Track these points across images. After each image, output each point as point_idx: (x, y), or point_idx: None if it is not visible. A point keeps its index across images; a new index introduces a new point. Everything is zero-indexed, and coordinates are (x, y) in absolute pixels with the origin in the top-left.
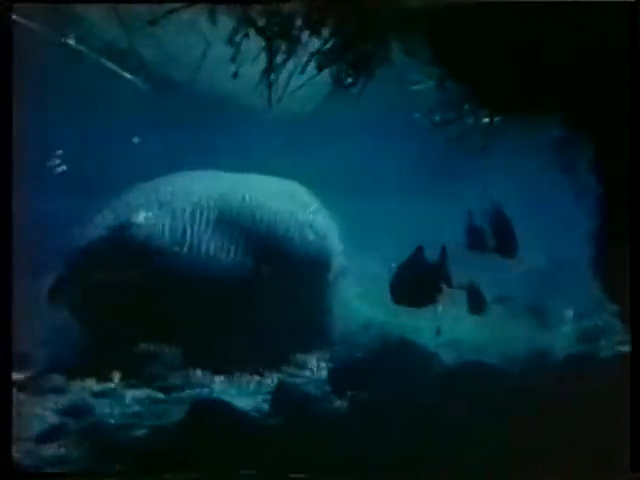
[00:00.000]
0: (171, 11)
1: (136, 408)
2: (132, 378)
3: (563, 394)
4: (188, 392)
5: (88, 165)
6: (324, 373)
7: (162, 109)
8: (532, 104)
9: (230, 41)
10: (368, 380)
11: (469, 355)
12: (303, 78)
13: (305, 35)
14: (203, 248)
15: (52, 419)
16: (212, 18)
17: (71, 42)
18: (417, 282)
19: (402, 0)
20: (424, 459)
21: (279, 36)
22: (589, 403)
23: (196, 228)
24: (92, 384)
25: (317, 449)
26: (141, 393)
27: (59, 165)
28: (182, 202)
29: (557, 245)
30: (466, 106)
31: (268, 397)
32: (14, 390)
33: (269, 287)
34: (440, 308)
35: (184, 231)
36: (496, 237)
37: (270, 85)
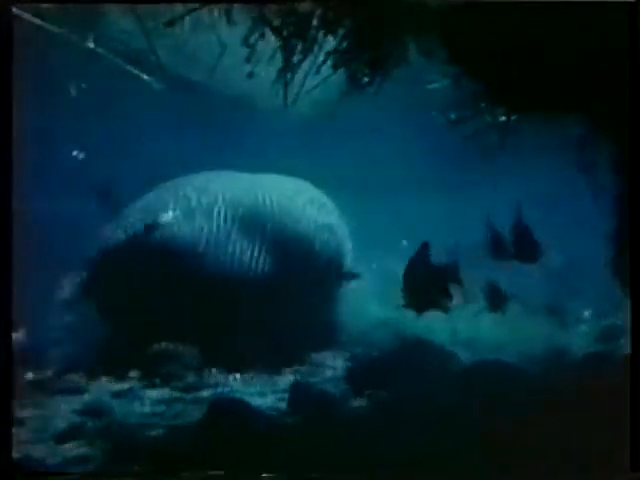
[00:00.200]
0: (188, 12)
1: (155, 408)
2: (151, 378)
3: (580, 393)
4: (206, 391)
5: (105, 165)
6: (341, 372)
7: (177, 109)
8: (550, 103)
9: (245, 41)
10: (385, 379)
11: (487, 354)
12: (319, 78)
13: (321, 34)
14: (222, 248)
15: (71, 419)
16: (228, 18)
17: (89, 43)
18: (428, 284)
19: None
20: (440, 458)
21: (295, 36)
22: (602, 402)
23: (215, 229)
24: (111, 384)
25: (334, 448)
26: (160, 393)
27: (77, 165)
28: (203, 202)
29: (575, 244)
30: (482, 104)
31: (285, 396)
32: (29, 389)
33: (286, 286)
34: (455, 308)
35: (203, 231)
36: (516, 243)
37: (286, 85)
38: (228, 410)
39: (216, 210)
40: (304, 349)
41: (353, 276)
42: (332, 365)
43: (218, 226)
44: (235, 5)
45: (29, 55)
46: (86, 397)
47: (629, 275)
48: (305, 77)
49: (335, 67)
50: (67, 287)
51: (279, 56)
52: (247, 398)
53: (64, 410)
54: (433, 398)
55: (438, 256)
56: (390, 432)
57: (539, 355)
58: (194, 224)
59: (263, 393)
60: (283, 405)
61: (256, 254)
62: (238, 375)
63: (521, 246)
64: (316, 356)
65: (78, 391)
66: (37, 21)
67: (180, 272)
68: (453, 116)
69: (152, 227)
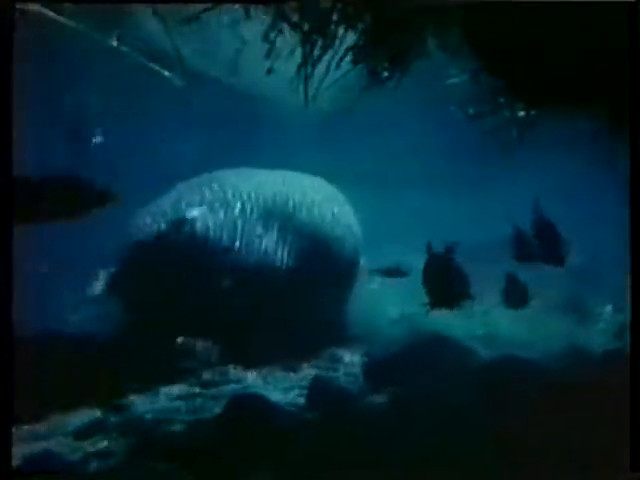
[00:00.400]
0: (206, 9)
1: (175, 404)
2: (171, 373)
3: (595, 391)
4: (226, 387)
5: (127, 162)
6: (359, 368)
7: (198, 105)
8: (570, 97)
9: (265, 37)
10: (403, 375)
11: (506, 350)
12: (338, 73)
13: (341, 30)
14: (245, 245)
15: (91, 415)
16: (247, 14)
17: (112, 40)
18: (447, 282)
19: None
20: (457, 455)
21: (314, 31)
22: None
23: (240, 226)
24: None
25: (352, 444)
26: (179, 389)
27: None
28: (228, 198)
29: (595, 239)
30: (501, 99)
31: (304, 392)
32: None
33: (306, 283)
34: (474, 304)
35: (227, 227)
36: (543, 246)
37: (306, 80)
38: (247, 405)
39: (242, 207)
40: (323, 345)
41: (370, 272)
42: (350, 361)
43: (245, 224)
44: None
45: (47, 52)
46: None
47: (630, 274)
48: (325, 73)
49: (355, 62)
50: (93, 283)
51: (299, 52)
52: (266, 394)
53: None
54: (451, 395)
55: (457, 253)
56: (407, 428)
57: (558, 351)
58: (220, 220)
59: (282, 389)
60: (302, 401)
61: (277, 251)
62: (257, 371)
63: (547, 249)
64: (334, 352)
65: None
66: (59, 18)
67: (201, 268)
68: (472, 111)
69: (181, 222)
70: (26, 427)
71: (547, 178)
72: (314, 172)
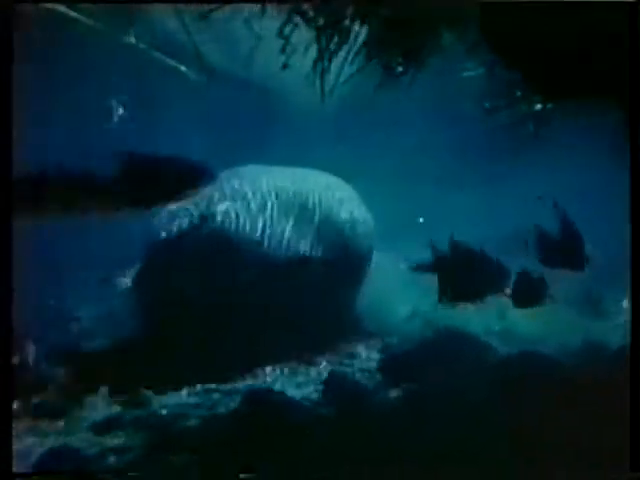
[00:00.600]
0: (221, 5)
1: (191, 399)
2: (187, 369)
3: (611, 387)
4: (241, 382)
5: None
6: (375, 363)
7: (214, 101)
8: (588, 91)
9: (280, 32)
10: (419, 371)
11: (523, 346)
12: (353, 68)
13: (355, 25)
14: (264, 242)
15: (109, 410)
16: (262, 10)
17: (130, 37)
18: (466, 278)
19: None
20: (472, 451)
21: (329, 26)
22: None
23: (261, 222)
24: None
25: (367, 439)
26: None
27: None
28: (250, 194)
29: (612, 235)
30: (518, 93)
31: (320, 387)
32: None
33: (322, 279)
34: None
35: (249, 223)
36: (565, 250)
37: (322, 75)
38: (263, 401)
39: (265, 202)
40: (339, 341)
41: (383, 267)
42: (366, 357)
43: (266, 219)
44: None
45: (62, 49)
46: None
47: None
48: (340, 68)
49: (369, 57)
50: (117, 279)
51: (314, 47)
52: (282, 389)
53: (102, 401)
54: (467, 391)
55: (473, 249)
56: (423, 424)
57: (574, 347)
58: (243, 216)
59: (297, 384)
60: (317, 396)
61: (296, 246)
62: (273, 366)
63: (570, 253)
64: (350, 348)
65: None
66: (73, 14)
67: (220, 263)
68: (488, 105)
69: (207, 218)
70: (46, 422)
71: (563, 173)
72: (330, 168)
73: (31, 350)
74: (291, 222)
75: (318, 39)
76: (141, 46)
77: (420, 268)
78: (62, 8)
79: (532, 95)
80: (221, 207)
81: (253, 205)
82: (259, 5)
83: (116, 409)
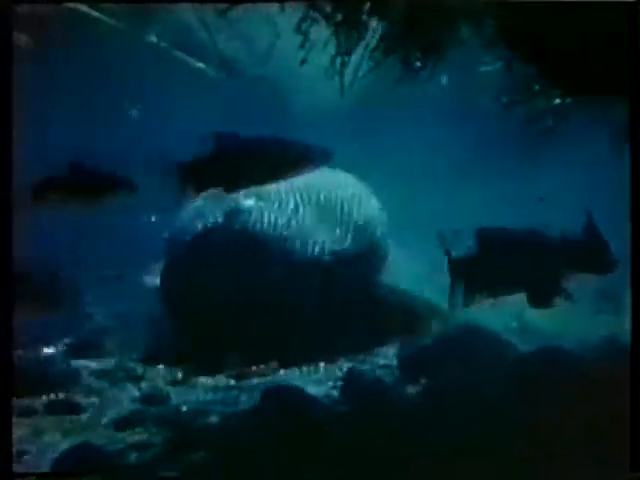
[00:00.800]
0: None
1: (210, 396)
2: (206, 365)
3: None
4: (261, 379)
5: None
6: (394, 360)
7: (233, 97)
8: (606, 85)
9: (298, 28)
10: (440, 367)
11: (541, 342)
12: (372, 63)
13: (373, 20)
14: (284, 239)
15: (130, 406)
16: (281, 5)
17: (151, 36)
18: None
19: None
20: (494, 446)
21: (347, 22)
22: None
23: (285, 218)
24: (167, 372)
25: (387, 436)
26: (215, 380)
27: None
28: (273, 191)
29: (632, 229)
30: (536, 87)
31: (339, 384)
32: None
33: (340, 276)
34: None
35: (269, 220)
36: (591, 253)
37: (341, 71)
38: (282, 398)
39: (288, 199)
40: (358, 337)
41: (400, 263)
42: (385, 354)
43: (290, 216)
44: None
45: (82, 49)
46: (144, 385)
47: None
48: (359, 63)
49: (388, 52)
50: (143, 276)
51: (332, 43)
52: (300, 386)
53: (123, 398)
54: (487, 387)
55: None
56: (443, 421)
57: (595, 343)
58: (268, 212)
59: (317, 381)
60: (336, 393)
61: (318, 244)
62: (292, 363)
63: (598, 256)
64: (369, 344)
65: (136, 379)
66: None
67: (243, 261)
68: (505, 100)
69: (232, 214)
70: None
71: (583, 168)
72: (348, 164)
73: (50, 347)
74: (314, 219)
75: (336, 34)
76: (162, 45)
77: (439, 264)
78: (84, 8)
79: (551, 89)
80: (246, 203)
81: (277, 201)
82: (277, 2)
83: (137, 406)
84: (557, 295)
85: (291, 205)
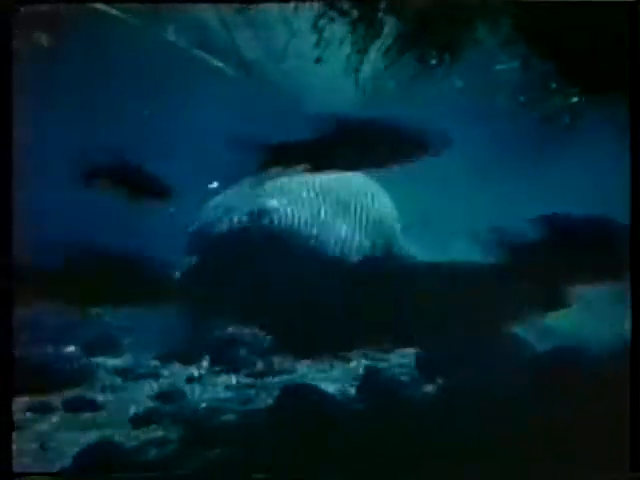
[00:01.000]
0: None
1: (227, 393)
2: (222, 364)
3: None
4: (277, 377)
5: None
6: (412, 359)
7: (251, 96)
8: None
9: (315, 26)
10: (457, 366)
11: (558, 341)
12: (387, 61)
13: (389, 18)
14: (304, 238)
15: (146, 404)
16: (297, 4)
17: (169, 34)
18: None
19: None
20: (510, 446)
21: (363, 19)
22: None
23: (309, 218)
24: (184, 370)
25: (404, 434)
26: (231, 379)
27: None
28: (297, 191)
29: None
30: (553, 85)
31: (356, 382)
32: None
33: (361, 274)
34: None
35: (293, 220)
36: (603, 256)
37: (357, 68)
38: (299, 396)
39: (307, 196)
40: (374, 336)
41: (417, 262)
42: (402, 352)
43: (311, 215)
44: None
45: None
46: (161, 383)
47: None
48: (374, 60)
49: (403, 51)
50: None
51: (348, 41)
52: (318, 384)
53: (140, 395)
54: (503, 387)
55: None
56: (459, 420)
57: (610, 342)
58: (292, 212)
59: (334, 379)
60: (353, 391)
61: (334, 244)
62: (309, 361)
63: (613, 260)
64: (386, 343)
65: (153, 376)
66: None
67: (259, 260)
68: (522, 99)
69: (261, 213)
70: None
71: (601, 167)
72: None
73: (68, 345)
74: (338, 219)
75: (352, 32)
76: (181, 44)
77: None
78: (103, 7)
79: (568, 87)
80: (271, 204)
81: (301, 201)
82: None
83: (154, 403)
84: (568, 298)
85: (312, 204)
